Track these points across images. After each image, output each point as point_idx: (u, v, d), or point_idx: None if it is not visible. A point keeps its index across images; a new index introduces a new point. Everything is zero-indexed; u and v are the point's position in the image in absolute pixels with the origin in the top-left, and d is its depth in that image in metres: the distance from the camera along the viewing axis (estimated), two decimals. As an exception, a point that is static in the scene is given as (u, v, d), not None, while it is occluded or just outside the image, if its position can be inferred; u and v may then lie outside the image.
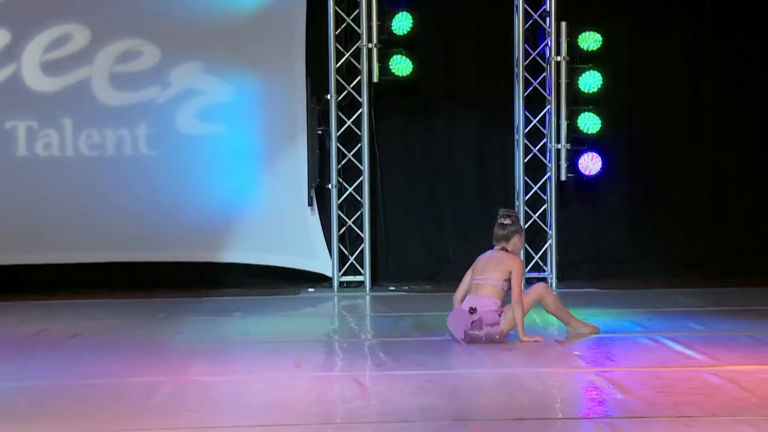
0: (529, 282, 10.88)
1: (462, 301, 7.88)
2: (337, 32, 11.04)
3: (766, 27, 11.23)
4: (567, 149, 11.01)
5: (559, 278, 11.08)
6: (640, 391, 6.24)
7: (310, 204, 11.00)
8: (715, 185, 11.32)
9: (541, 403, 6.11)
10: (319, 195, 11.07)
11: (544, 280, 11.12)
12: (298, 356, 7.49)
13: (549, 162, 11.11)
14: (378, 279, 11.08)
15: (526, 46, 11.11)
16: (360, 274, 11.05)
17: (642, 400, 6.04)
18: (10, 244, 10.87)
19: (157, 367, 7.24)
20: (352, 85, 11.10)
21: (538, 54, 11.16)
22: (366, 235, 11.03)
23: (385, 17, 11.00)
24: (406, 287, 10.96)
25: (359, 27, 11.01)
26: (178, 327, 8.98)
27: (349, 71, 11.11)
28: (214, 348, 7.99)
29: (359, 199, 11.07)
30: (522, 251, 8.48)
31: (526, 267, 11.02)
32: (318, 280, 11.10)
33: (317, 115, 10.98)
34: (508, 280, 7.79)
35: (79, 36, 10.93)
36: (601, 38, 11.01)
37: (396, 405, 6.03)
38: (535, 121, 11.15)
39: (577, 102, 11.04)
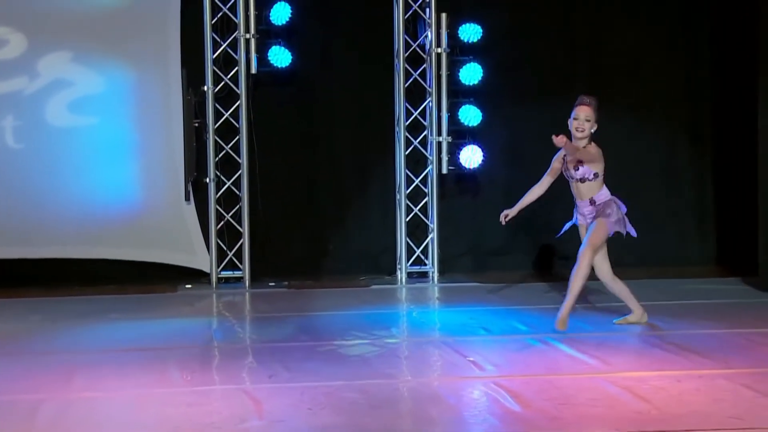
0: (410, 276, 10.85)
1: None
2: (213, 22, 10.72)
3: (652, 17, 11.23)
4: (448, 142, 10.89)
5: (441, 272, 10.97)
6: (539, 403, 6.14)
7: (187, 198, 10.68)
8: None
9: (447, 418, 5.96)
10: (197, 189, 10.75)
11: (425, 274, 11.03)
12: (184, 366, 7.21)
13: (430, 155, 10.97)
14: (257, 274, 10.80)
15: (406, 37, 10.95)
16: (239, 269, 10.77)
17: (543, 414, 5.93)
18: None
19: (39, 381, 6.87)
20: (229, 76, 10.80)
21: (418, 45, 10.99)
22: (245, 229, 10.76)
23: (262, 7, 10.71)
24: (287, 282, 10.71)
25: (236, 16, 10.69)
26: (54, 332, 8.58)
27: (226, 62, 10.81)
28: (94, 358, 7.63)
29: (238, 192, 10.78)
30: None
31: (409, 261, 10.93)
32: (196, 276, 10.78)
33: (194, 107, 10.67)
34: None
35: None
36: (481, 30, 10.89)
37: (295, 425, 5.81)
38: (416, 114, 11.00)
39: (458, 94, 10.91)
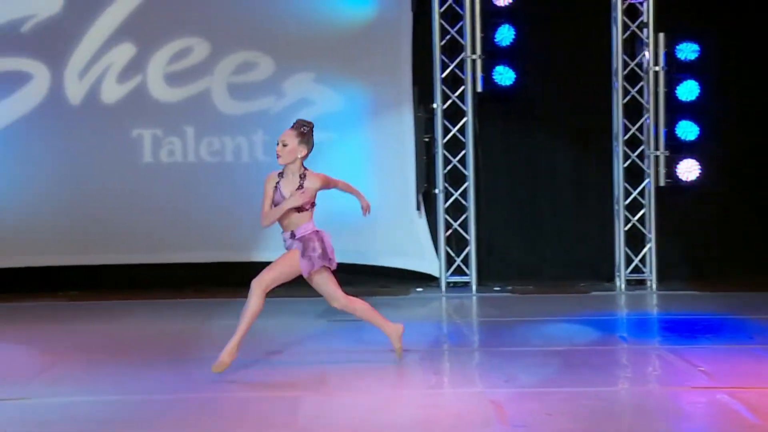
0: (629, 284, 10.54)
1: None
2: (442, 44, 10.70)
3: None
4: (665, 156, 10.56)
5: (659, 280, 10.63)
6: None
7: (418, 208, 10.67)
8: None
9: (686, 428, 5.70)
10: (427, 199, 10.74)
11: (643, 281, 10.73)
12: (426, 368, 7.15)
13: (647, 168, 10.65)
14: (483, 279, 10.71)
15: (624, 56, 10.66)
16: (466, 274, 10.69)
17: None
18: (135, 244, 10.66)
19: (297, 378, 6.93)
20: (456, 95, 10.76)
21: (636, 64, 10.70)
22: (471, 237, 10.68)
23: (488, 29, 10.60)
24: (511, 288, 10.58)
25: (463, 39, 10.63)
26: (306, 331, 8.68)
27: (453, 81, 10.79)
28: (343, 358, 7.65)
29: (464, 203, 10.75)
30: None
31: (628, 269, 10.62)
32: (425, 280, 10.75)
33: (424, 124, 10.68)
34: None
35: (199, 49, 10.69)
36: (698, 48, 10.51)
37: (538, 431, 5.66)
38: (633, 129, 10.72)
39: (675, 110, 10.56)
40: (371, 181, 10.79)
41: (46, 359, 7.64)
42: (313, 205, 7.12)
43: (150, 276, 10.81)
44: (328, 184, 7.23)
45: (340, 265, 10.73)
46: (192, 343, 8.36)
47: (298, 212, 7.05)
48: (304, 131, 7.09)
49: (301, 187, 7.01)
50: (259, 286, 6.99)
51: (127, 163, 10.68)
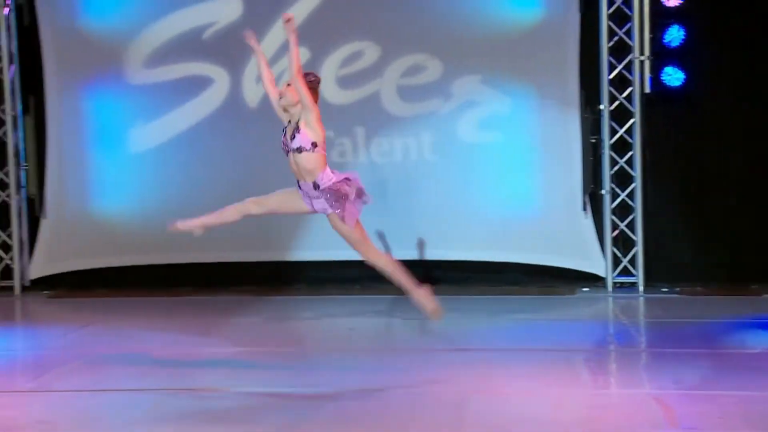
0: None
1: None
2: (609, 45, 10.65)
3: None
4: None
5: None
6: None
7: (584, 209, 10.66)
8: None
9: None
10: (593, 200, 10.75)
11: None
12: (587, 367, 7.17)
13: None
14: (650, 280, 10.62)
15: (799, 56, 10.41)
16: (632, 275, 10.63)
17: None
18: (311, 242, 10.95)
19: (461, 376, 7.05)
20: (624, 96, 10.70)
21: (810, 64, 10.44)
22: (639, 237, 10.62)
23: (656, 30, 10.50)
24: (678, 289, 10.46)
25: (631, 40, 10.55)
26: (467, 329, 8.80)
27: (621, 82, 10.71)
28: (506, 356, 7.74)
29: (631, 203, 10.68)
30: None
31: None
32: (590, 280, 10.73)
33: (590, 125, 10.65)
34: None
35: (370, 52, 10.92)
36: None
37: (708, 434, 5.65)
38: (809, 132, 10.46)
39: None
40: (537, 182, 10.83)
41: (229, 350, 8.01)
42: (314, 145, 6.78)
43: (323, 272, 11.10)
44: (302, 91, 6.83)
45: (506, 264, 10.88)
46: (360, 338, 8.59)
47: (299, 153, 6.76)
48: (311, 78, 6.97)
49: (297, 129, 6.81)
50: (252, 204, 6.94)
51: (301, 163, 11.00)
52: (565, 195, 10.76)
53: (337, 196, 6.71)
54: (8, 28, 10.89)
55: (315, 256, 10.99)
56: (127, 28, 10.85)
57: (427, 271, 10.91)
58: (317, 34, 10.84)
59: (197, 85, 10.90)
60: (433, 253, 10.98)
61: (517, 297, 10.36)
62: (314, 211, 6.91)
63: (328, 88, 10.91)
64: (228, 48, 10.84)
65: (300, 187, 6.83)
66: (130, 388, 6.85)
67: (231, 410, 6.35)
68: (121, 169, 10.96)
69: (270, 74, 7.14)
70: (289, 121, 6.92)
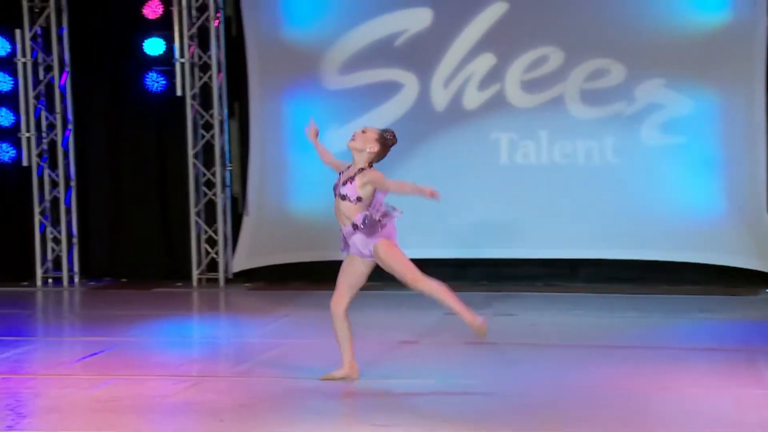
0: None
1: None
2: (795, 45, 10.55)
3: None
4: None
5: None
6: None
7: (768, 208, 10.65)
8: None
9: None
10: (780, 202, 10.72)
11: None
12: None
13: None
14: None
15: None
16: (816, 276, 10.54)
17: None
18: (493, 239, 11.24)
19: (645, 373, 7.20)
20: (810, 98, 10.59)
21: None
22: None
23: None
24: None
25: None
26: (646, 327, 8.91)
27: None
28: (687, 355, 7.84)
29: (815, 204, 10.57)
30: None
31: None
32: (775, 281, 10.71)
33: (775, 127, 10.59)
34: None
35: (554, 57, 11.16)
36: None
37: None
38: None
39: None
40: (719, 183, 10.86)
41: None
42: (359, 199, 6.79)
43: (507, 269, 11.40)
44: (381, 186, 6.80)
45: (686, 264, 10.91)
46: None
47: (342, 200, 6.80)
48: (387, 136, 6.92)
49: (352, 178, 6.80)
50: (338, 309, 6.93)
51: (486, 164, 11.32)
52: (748, 197, 10.75)
53: (371, 225, 6.78)
54: (218, 38, 11.64)
55: (494, 254, 11.31)
56: (325, 37, 11.42)
57: (609, 270, 11.12)
58: (503, 40, 11.17)
59: (388, 89, 11.36)
60: (614, 253, 11.12)
61: (697, 297, 10.39)
62: (363, 256, 6.89)
63: (513, 93, 11.21)
64: (418, 54, 11.27)
65: (341, 230, 6.94)
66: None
67: (425, 403, 6.65)
68: (317, 169, 11.41)
69: (329, 157, 7.19)
70: (349, 166, 6.94)
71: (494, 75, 11.23)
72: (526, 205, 11.22)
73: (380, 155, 6.89)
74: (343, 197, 6.81)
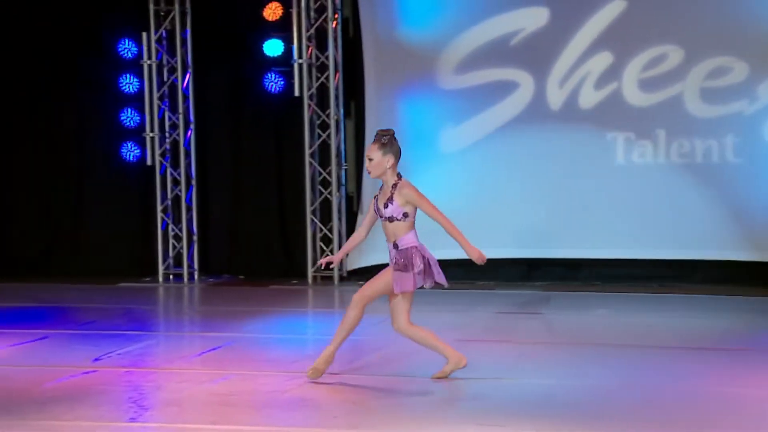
0: None
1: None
2: None
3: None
4: None
5: None
6: None
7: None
8: None
9: None
10: None
11: None
12: None
13: None
14: None
15: None
16: None
17: None
18: (604, 238, 11.12)
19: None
20: None
21: None
22: None
23: None
24: None
25: None
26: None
27: None
28: None
29: None
30: None
31: None
32: None
33: None
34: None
35: (673, 55, 11.00)
36: None
37: None
38: None
39: None
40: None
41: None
42: (405, 215, 6.88)
43: (621, 269, 11.25)
44: (419, 205, 6.88)
45: (756, 264, 10.62)
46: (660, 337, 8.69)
47: (390, 222, 6.89)
48: (385, 141, 6.91)
49: (390, 198, 6.89)
50: (360, 300, 6.98)
51: (602, 164, 11.19)
52: None
53: (405, 261, 6.86)
54: (335, 39, 11.75)
55: (609, 254, 11.16)
56: (440, 36, 11.43)
57: (729, 272, 10.87)
58: (621, 38, 11.03)
59: (504, 89, 11.31)
60: (732, 255, 10.88)
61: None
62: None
63: (630, 92, 11.06)
64: (534, 53, 11.20)
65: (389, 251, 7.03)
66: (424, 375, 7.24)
67: (537, 399, 6.68)
68: (432, 167, 11.53)
69: (362, 232, 7.16)
70: (382, 187, 7.01)
71: (611, 73, 11.09)
72: (641, 205, 11.05)
73: (396, 156, 6.93)
74: (390, 219, 6.90)
